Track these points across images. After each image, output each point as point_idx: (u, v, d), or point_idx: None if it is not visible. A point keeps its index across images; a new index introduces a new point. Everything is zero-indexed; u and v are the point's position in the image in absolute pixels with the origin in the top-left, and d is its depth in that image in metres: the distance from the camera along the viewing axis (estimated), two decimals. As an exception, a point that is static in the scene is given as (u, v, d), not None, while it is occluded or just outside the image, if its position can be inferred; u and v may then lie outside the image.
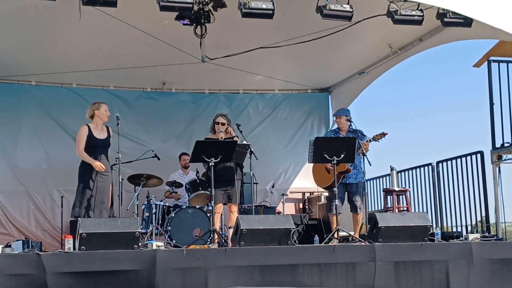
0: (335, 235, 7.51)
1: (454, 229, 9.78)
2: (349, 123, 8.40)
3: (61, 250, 6.40)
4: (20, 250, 7.20)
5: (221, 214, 8.50)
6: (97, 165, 7.46)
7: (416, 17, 7.40)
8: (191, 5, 6.90)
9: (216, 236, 7.30)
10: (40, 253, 5.96)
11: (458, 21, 7.51)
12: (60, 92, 10.92)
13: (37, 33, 8.80)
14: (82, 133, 7.66)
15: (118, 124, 7.74)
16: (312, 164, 8.34)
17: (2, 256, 5.92)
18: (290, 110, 12.06)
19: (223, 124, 8.07)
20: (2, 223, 10.25)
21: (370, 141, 8.09)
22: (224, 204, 8.09)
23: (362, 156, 7.98)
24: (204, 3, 7.95)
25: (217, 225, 7.95)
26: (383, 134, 8.09)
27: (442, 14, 7.49)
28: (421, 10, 7.39)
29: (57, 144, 10.75)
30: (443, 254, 6.80)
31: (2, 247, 6.30)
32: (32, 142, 10.70)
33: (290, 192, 11.60)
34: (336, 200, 7.58)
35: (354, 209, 8.25)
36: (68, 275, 5.85)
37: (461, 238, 7.88)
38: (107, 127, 7.86)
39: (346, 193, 8.27)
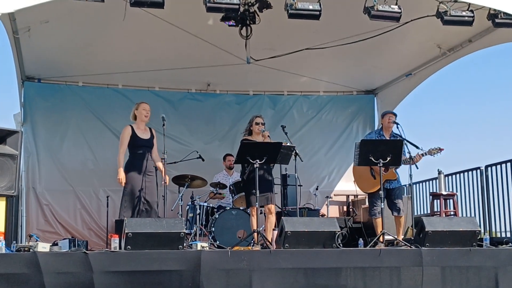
0: (381, 239, 7.41)
1: (503, 235, 9.56)
2: (394, 125, 8.29)
3: (107, 249, 6.46)
4: (67, 248, 7.33)
5: (265, 215, 8.47)
6: (119, 177, 7.51)
7: (466, 18, 7.24)
8: (237, 6, 6.87)
9: (260, 238, 7.26)
10: (87, 252, 6.03)
11: (511, 22, 7.33)
12: (106, 93, 11.06)
13: (85, 35, 8.94)
14: (124, 134, 7.76)
15: (164, 125, 7.78)
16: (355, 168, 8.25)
17: (50, 254, 6.01)
18: (334, 112, 11.98)
19: (263, 123, 8.04)
20: (49, 221, 10.43)
21: (425, 154, 7.95)
22: (262, 206, 8.01)
23: (410, 163, 7.88)
24: (250, 4, 7.96)
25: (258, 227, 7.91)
26: (440, 149, 7.92)
27: (493, 15, 7.33)
28: (472, 11, 7.24)
29: (103, 144, 10.88)
30: (492, 260, 6.65)
31: (50, 246, 6.40)
32: (78, 142, 10.86)
33: (334, 195, 11.51)
34: (382, 204, 7.48)
35: (397, 211, 8.14)
36: (114, 274, 5.91)
37: (510, 244, 7.68)
38: (150, 129, 7.92)
39: (386, 196, 8.17)
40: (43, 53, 9.41)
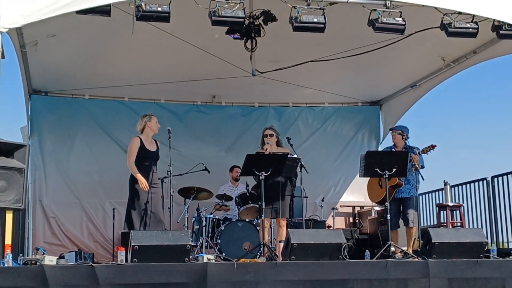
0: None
1: (511, 246, 9.53)
2: (405, 140, 8.31)
3: (114, 262, 6.46)
4: (73, 261, 7.33)
5: (271, 227, 8.49)
6: (143, 183, 7.50)
7: (470, 29, 7.23)
8: (242, 20, 6.89)
9: (266, 250, 7.28)
10: (93, 264, 6.03)
11: (515, 34, 7.33)
12: (113, 106, 11.10)
13: (91, 49, 8.99)
14: (134, 145, 7.76)
15: (169, 137, 7.82)
16: (367, 178, 8.27)
17: (57, 268, 6.01)
18: (340, 123, 11.98)
19: (271, 135, 8.09)
20: (56, 234, 10.44)
21: (420, 154, 7.98)
22: (273, 218, 8.07)
23: (415, 172, 7.89)
24: (255, 17, 8.00)
25: (266, 239, 7.92)
26: (432, 147, 8.00)
27: (497, 26, 7.31)
28: (476, 23, 7.23)
29: (109, 156, 10.90)
30: (500, 271, 6.64)
31: (57, 259, 6.41)
32: (85, 155, 10.88)
33: (340, 206, 11.50)
34: (388, 215, 7.48)
35: (406, 222, 8.16)
36: (120, 286, 5.91)
37: (517, 255, 7.67)
38: (155, 140, 7.95)
39: (401, 207, 8.19)
40: (50, 66, 9.46)
